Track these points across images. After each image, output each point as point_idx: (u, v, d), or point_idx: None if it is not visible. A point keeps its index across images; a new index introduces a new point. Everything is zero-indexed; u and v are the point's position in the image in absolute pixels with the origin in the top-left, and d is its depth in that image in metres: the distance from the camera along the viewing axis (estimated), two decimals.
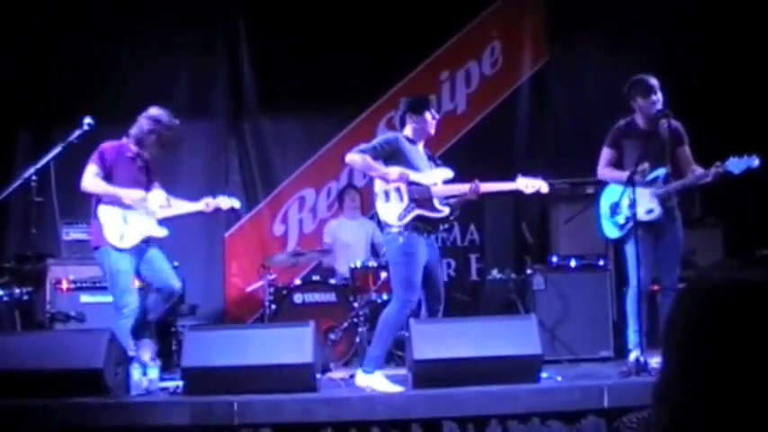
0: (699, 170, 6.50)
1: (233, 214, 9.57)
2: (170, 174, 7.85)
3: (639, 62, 8.34)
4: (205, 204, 6.85)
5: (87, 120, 6.55)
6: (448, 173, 6.46)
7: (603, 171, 6.76)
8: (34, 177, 6.49)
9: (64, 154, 6.64)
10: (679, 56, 8.63)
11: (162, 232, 6.68)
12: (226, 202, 6.90)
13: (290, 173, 9.60)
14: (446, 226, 9.01)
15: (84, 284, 7.67)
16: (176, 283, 6.69)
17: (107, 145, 6.61)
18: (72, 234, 8.06)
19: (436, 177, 6.38)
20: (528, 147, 9.43)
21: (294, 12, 9.34)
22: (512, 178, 6.43)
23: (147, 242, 6.64)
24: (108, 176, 6.53)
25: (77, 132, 6.54)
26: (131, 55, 9.05)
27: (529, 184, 6.40)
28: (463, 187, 6.33)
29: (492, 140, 9.27)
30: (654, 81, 6.54)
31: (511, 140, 9.44)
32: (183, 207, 6.83)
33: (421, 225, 6.21)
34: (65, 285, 7.72)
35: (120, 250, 6.47)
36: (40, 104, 8.97)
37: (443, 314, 6.52)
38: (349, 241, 8.54)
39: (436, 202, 6.30)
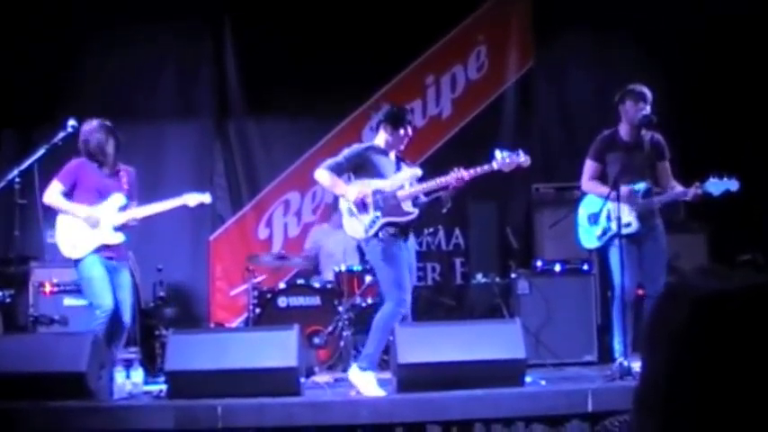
0: (679, 188, 6.55)
1: (218, 218, 9.57)
2: (155, 176, 7.84)
3: (627, 65, 8.39)
4: (182, 202, 6.75)
5: (71, 122, 6.54)
6: (416, 171, 6.46)
7: (588, 184, 6.78)
8: (17, 179, 6.47)
9: (48, 156, 6.63)
10: (666, 57, 8.68)
11: (117, 238, 6.61)
12: (193, 199, 6.80)
13: (276, 176, 9.57)
14: (429, 228, 9.09)
15: (67, 287, 7.63)
16: (126, 318, 6.63)
17: (75, 162, 6.63)
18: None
19: (403, 180, 6.38)
20: (513, 151, 9.41)
21: (280, 13, 9.32)
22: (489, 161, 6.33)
23: (119, 259, 6.66)
24: (72, 188, 6.57)
25: (61, 134, 6.53)
26: (116, 55, 9.03)
27: (507, 160, 6.30)
28: (446, 178, 6.26)
29: (477, 145, 9.20)
30: (647, 92, 6.56)
31: (496, 145, 9.40)
32: (149, 210, 6.75)
33: (393, 230, 6.22)
34: (48, 288, 7.69)
35: (80, 259, 6.49)
36: (23, 104, 8.91)
37: (414, 317, 6.55)
38: (333, 250, 8.51)
39: (404, 206, 6.30)
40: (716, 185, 6.28)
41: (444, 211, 6.55)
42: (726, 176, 6.28)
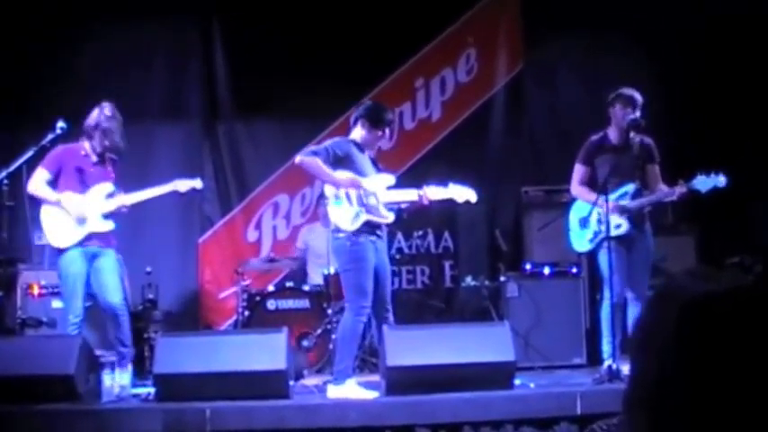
0: (665, 188, 6.56)
1: (207, 221, 9.54)
2: (143, 177, 7.80)
3: (617, 67, 8.40)
4: (172, 188, 6.73)
5: (60, 123, 6.50)
6: (390, 179, 6.47)
7: (577, 189, 6.80)
8: (5, 181, 6.44)
9: (36, 157, 6.59)
10: (660, 58, 8.70)
11: (107, 226, 6.56)
12: (183, 185, 6.75)
13: (265, 178, 9.55)
14: (419, 231, 9.10)
15: (55, 290, 7.57)
16: (116, 299, 6.51)
17: (59, 148, 6.58)
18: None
19: (380, 184, 6.38)
20: (503, 154, 9.45)
21: (270, 15, 9.31)
22: (443, 184, 6.50)
23: (105, 244, 6.58)
24: (56, 177, 6.53)
25: (50, 136, 6.49)
26: (104, 55, 8.99)
27: (461, 194, 6.47)
28: (411, 194, 6.39)
29: (467, 148, 9.28)
30: (637, 96, 6.57)
31: (486, 148, 9.46)
32: (139, 196, 6.68)
33: (370, 230, 6.20)
34: (36, 291, 7.66)
35: (64, 251, 6.45)
36: (11, 105, 8.87)
37: (399, 320, 6.55)
38: (321, 250, 8.49)
39: (382, 208, 6.30)
40: (703, 182, 6.31)
41: (405, 216, 6.66)
42: (713, 173, 6.31)
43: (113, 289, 6.54)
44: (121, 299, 6.61)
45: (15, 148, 6.86)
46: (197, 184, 6.81)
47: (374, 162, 6.52)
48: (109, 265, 6.59)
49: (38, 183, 6.49)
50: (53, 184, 6.54)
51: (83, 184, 6.56)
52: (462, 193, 6.49)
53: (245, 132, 9.65)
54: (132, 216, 8.96)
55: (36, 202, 6.59)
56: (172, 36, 9.46)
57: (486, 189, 8.50)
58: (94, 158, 6.62)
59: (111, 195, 6.61)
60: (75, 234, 6.47)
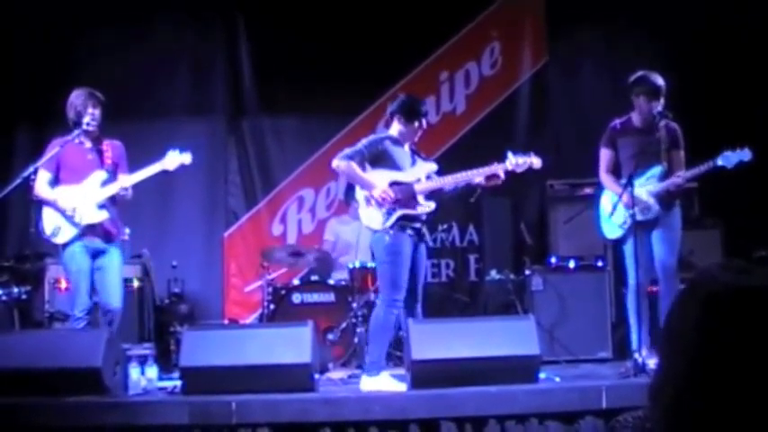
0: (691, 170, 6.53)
1: (232, 215, 9.58)
2: (169, 173, 7.86)
3: (641, 60, 8.35)
4: (161, 167, 6.69)
5: (86, 119, 6.53)
6: (432, 166, 6.47)
7: (604, 176, 6.75)
8: (33, 177, 6.47)
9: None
10: (680, 52, 8.64)
11: (100, 216, 6.52)
12: (171, 162, 6.70)
13: (290, 172, 9.58)
14: (443, 225, 9.09)
15: None
16: (115, 302, 6.53)
17: (54, 142, 6.59)
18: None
19: (419, 173, 6.38)
20: (527, 148, 9.36)
21: (294, 10, 9.33)
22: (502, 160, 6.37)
23: (108, 241, 6.60)
24: (57, 170, 6.56)
25: (76, 132, 6.52)
26: (130, 51, 9.05)
27: (519, 162, 6.35)
28: (480, 171, 6.31)
29: (491, 141, 9.22)
30: (661, 84, 6.50)
31: (510, 141, 9.38)
32: (134, 178, 6.65)
33: (407, 224, 6.21)
34: (63, 285, 7.71)
35: (66, 246, 6.49)
36: (38, 102, 8.93)
37: (425, 313, 6.54)
38: (351, 240, 8.50)
39: (420, 198, 6.30)
40: (728, 158, 6.28)
41: (472, 200, 6.59)
42: (738, 148, 6.28)
43: (114, 292, 6.57)
44: (120, 302, 6.60)
45: (42, 145, 6.91)
46: (185, 159, 6.71)
47: (415, 153, 6.52)
48: (112, 264, 6.61)
49: (42, 186, 6.52)
50: (56, 179, 6.57)
51: (79, 173, 6.58)
52: (521, 161, 6.38)
53: (270, 127, 9.67)
54: (158, 210, 9.04)
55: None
56: (197, 34, 9.51)
57: (511, 182, 8.47)
58: (89, 145, 6.63)
59: (106, 183, 6.60)
60: (72, 229, 6.49)
